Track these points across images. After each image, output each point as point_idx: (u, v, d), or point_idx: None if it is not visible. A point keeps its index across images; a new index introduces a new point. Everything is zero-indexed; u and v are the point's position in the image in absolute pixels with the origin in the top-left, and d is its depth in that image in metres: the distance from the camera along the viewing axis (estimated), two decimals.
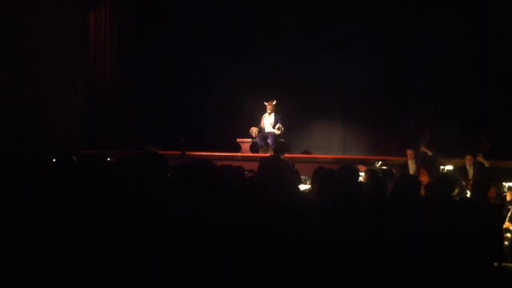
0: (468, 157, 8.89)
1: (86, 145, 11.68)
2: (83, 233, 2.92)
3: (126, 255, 2.83)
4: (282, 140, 10.32)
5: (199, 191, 3.47)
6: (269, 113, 11.17)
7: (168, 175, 3.54)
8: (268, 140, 10.96)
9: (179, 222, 3.04)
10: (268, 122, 11.16)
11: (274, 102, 11.14)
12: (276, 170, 4.71)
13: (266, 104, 11.23)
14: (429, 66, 11.10)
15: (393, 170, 8.57)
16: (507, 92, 10.42)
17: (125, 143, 11.92)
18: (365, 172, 7.05)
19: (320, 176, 4.26)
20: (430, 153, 9.05)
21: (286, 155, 7.38)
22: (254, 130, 11.08)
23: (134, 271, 2.81)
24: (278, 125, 10.93)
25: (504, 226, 5.87)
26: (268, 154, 10.06)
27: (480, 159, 8.70)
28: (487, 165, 8.61)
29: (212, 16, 12.56)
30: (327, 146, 12.12)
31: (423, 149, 9.12)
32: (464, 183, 8.14)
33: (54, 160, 4.41)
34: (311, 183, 4.70)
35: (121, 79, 12.88)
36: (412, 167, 9.18)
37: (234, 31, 12.54)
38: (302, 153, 11.51)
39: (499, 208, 5.84)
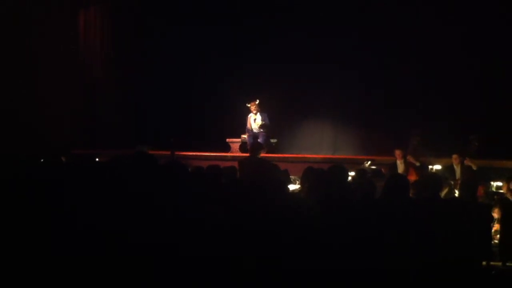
0: (455, 156, 8.93)
1: (80, 144, 11.62)
2: (74, 232, 2.92)
3: (119, 255, 2.84)
4: (251, 141, 10.40)
5: (188, 190, 3.46)
6: (255, 113, 11.15)
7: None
8: (259, 140, 10.96)
9: (170, 221, 3.04)
10: (256, 121, 11.16)
11: (257, 102, 11.11)
12: (258, 170, 4.71)
13: (249, 105, 11.19)
14: (419, 66, 11.14)
15: (382, 169, 8.60)
16: (496, 93, 10.48)
17: (120, 143, 11.82)
18: (355, 172, 7.07)
19: (310, 176, 4.27)
20: (417, 163, 9.06)
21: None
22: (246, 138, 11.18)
23: (129, 269, 2.82)
24: (260, 123, 10.98)
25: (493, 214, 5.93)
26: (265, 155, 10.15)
27: (468, 162, 8.71)
28: (475, 168, 8.63)
29: (205, 18, 12.53)
30: (318, 146, 12.12)
31: (410, 159, 9.12)
32: (452, 182, 8.18)
33: (42, 160, 4.38)
34: (301, 183, 4.71)
35: (116, 79, 12.84)
36: (400, 167, 9.22)
37: (226, 32, 12.50)
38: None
39: (488, 207, 5.87)
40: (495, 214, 5.96)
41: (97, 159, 7.91)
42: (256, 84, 11.93)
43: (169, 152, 10.13)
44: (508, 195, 6.48)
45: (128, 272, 2.83)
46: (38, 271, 2.84)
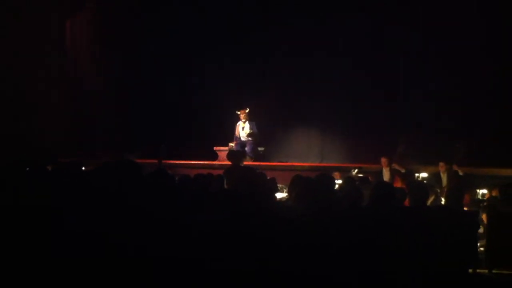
0: (441, 164, 9.01)
1: (67, 153, 11.50)
2: (62, 239, 2.92)
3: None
4: (239, 149, 10.42)
5: (175, 198, 3.46)
6: (244, 122, 11.17)
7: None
8: (246, 148, 10.96)
9: (157, 227, 3.05)
10: (244, 130, 11.16)
11: (247, 110, 11.14)
12: (245, 178, 4.71)
13: (238, 113, 11.21)
14: (405, 76, 11.24)
15: (370, 177, 8.63)
16: (482, 102, 10.57)
17: (107, 150, 11.70)
18: (342, 180, 7.08)
19: (298, 184, 4.27)
20: (403, 171, 9.14)
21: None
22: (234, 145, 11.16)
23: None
24: (248, 131, 11.00)
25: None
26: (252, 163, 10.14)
27: (455, 167, 8.82)
28: (461, 173, 8.73)
29: (191, 25, 12.53)
30: (305, 154, 12.14)
31: (395, 166, 9.20)
32: (438, 190, 8.24)
33: (27, 169, 4.34)
34: (288, 191, 4.71)
35: (104, 85, 12.79)
36: (386, 175, 9.27)
37: (212, 40, 12.51)
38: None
39: (474, 215, 5.91)
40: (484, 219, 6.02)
41: (83, 168, 7.86)
42: (244, 92, 11.95)
43: (156, 161, 10.07)
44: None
45: (115, 277, 2.85)
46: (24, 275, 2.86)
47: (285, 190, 7.02)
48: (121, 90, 12.96)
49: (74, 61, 12.77)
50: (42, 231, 3.02)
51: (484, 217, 6.05)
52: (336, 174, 8.65)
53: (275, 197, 4.86)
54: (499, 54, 10.44)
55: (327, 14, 11.73)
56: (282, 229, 3.33)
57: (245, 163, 9.43)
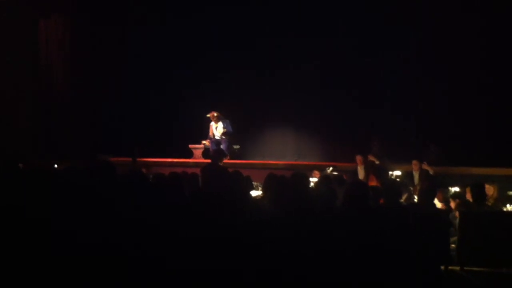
0: (414, 162, 9.12)
1: (39, 153, 11.33)
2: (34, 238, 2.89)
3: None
4: (214, 147, 10.44)
5: (148, 199, 3.44)
6: (216, 122, 11.15)
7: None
8: (222, 146, 10.94)
9: (126, 222, 3.04)
10: (218, 129, 11.16)
11: (216, 114, 11.11)
12: (221, 178, 4.69)
13: (208, 116, 11.20)
14: (380, 74, 11.34)
15: (344, 175, 8.69)
16: (455, 101, 10.72)
17: (79, 151, 11.56)
18: (318, 178, 7.12)
19: (272, 183, 4.27)
20: (377, 162, 9.26)
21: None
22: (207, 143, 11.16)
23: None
24: (222, 131, 11.00)
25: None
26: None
27: (425, 166, 8.94)
28: (431, 172, 8.86)
29: (167, 25, 12.46)
30: (280, 152, 12.17)
31: (370, 157, 9.32)
32: (412, 188, 8.33)
33: None
34: (263, 190, 4.70)
35: (75, 87, 12.62)
36: (361, 173, 9.36)
37: (188, 38, 12.45)
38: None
39: (446, 212, 6.01)
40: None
41: (55, 166, 7.76)
42: (219, 89, 11.94)
43: (130, 159, 10.01)
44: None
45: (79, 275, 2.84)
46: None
47: (260, 188, 7.03)
48: (95, 89, 12.80)
49: (46, 62, 12.57)
50: (15, 232, 2.98)
51: (457, 214, 6.13)
52: (315, 172, 8.70)
53: (250, 195, 4.85)
54: (471, 56, 10.59)
55: (303, 18, 11.78)
56: (257, 229, 3.33)
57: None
